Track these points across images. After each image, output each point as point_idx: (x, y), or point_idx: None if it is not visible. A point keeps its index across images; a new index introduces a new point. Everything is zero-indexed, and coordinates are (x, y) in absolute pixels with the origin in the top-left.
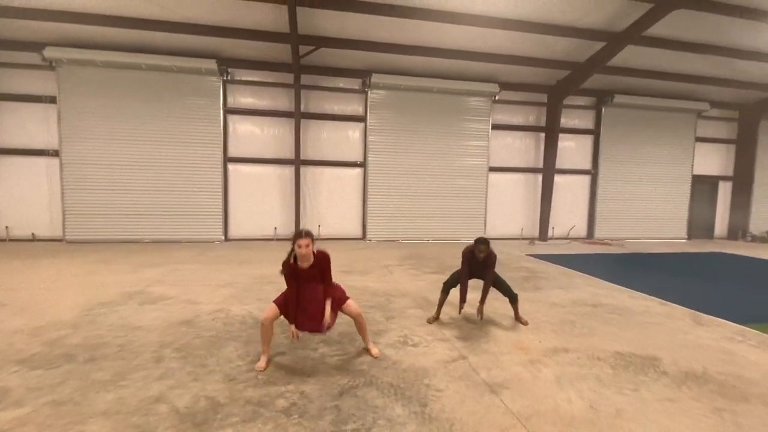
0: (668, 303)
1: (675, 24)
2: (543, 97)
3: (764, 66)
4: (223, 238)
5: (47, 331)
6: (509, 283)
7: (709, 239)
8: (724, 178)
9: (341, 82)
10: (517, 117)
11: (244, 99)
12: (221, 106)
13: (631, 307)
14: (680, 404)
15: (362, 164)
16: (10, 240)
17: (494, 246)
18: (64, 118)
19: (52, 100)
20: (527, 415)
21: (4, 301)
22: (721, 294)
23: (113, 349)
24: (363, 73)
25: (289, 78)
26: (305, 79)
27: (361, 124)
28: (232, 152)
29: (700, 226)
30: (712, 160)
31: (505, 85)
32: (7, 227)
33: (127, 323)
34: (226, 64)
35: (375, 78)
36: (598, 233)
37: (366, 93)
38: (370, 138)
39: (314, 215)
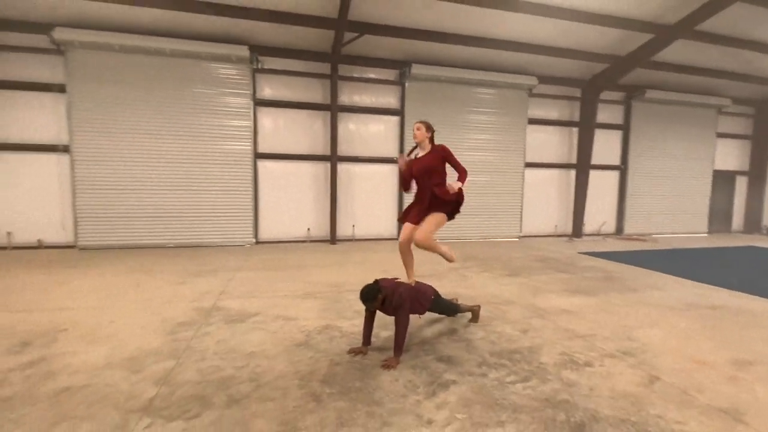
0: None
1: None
2: (577, 92)
3: None
4: (253, 240)
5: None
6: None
7: (728, 233)
8: (741, 173)
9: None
10: (551, 111)
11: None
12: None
13: (744, 307)
14: None
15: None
16: None
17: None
18: None
19: None
20: None
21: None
22: None
23: (248, 386)
24: (399, 64)
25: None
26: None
27: (396, 118)
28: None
29: (719, 220)
30: (730, 156)
31: (542, 79)
32: None
33: (233, 347)
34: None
35: (415, 69)
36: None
37: (403, 85)
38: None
39: (347, 213)
